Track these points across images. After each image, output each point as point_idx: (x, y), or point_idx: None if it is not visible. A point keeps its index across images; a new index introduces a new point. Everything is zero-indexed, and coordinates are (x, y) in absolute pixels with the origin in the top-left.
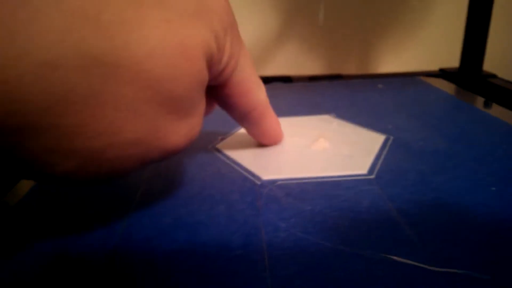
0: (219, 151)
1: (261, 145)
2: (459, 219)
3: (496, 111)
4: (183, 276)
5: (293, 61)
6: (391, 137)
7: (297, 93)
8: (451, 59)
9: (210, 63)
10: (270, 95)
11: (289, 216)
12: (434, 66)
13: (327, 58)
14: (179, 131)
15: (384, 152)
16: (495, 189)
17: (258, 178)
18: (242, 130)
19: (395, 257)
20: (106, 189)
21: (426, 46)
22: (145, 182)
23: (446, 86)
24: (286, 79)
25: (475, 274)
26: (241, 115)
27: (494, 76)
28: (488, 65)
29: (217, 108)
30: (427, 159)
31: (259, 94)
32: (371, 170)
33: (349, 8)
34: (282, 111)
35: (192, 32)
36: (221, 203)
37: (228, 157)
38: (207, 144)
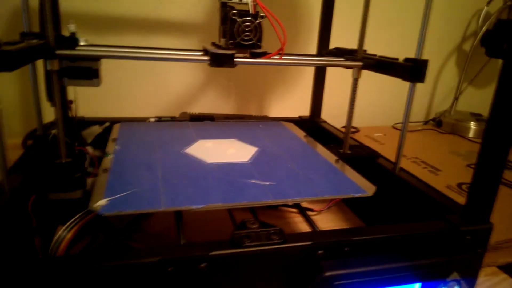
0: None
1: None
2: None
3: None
4: None
5: (215, 103)
6: (260, 149)
7: (218, 127)
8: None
9: None
10: (203, 129)
11: None
12: (297, 114)
13: (236, 103)
14: None
15: (256, 155)
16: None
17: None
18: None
19: None
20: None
21: (296, 99)
22: None
23: (294, 128)
24: (210, 118)
25: None
26: None
27: (325, 121)
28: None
29: None
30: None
31: None
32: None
33: (252, 73)
34: (210, 137)
35: None
36: None
37: None
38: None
